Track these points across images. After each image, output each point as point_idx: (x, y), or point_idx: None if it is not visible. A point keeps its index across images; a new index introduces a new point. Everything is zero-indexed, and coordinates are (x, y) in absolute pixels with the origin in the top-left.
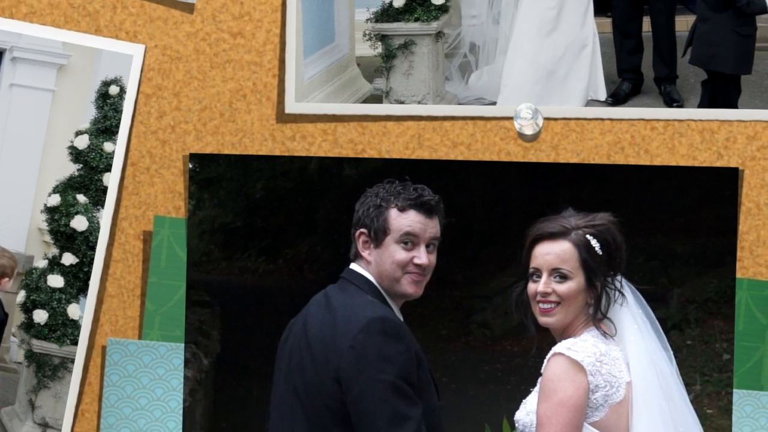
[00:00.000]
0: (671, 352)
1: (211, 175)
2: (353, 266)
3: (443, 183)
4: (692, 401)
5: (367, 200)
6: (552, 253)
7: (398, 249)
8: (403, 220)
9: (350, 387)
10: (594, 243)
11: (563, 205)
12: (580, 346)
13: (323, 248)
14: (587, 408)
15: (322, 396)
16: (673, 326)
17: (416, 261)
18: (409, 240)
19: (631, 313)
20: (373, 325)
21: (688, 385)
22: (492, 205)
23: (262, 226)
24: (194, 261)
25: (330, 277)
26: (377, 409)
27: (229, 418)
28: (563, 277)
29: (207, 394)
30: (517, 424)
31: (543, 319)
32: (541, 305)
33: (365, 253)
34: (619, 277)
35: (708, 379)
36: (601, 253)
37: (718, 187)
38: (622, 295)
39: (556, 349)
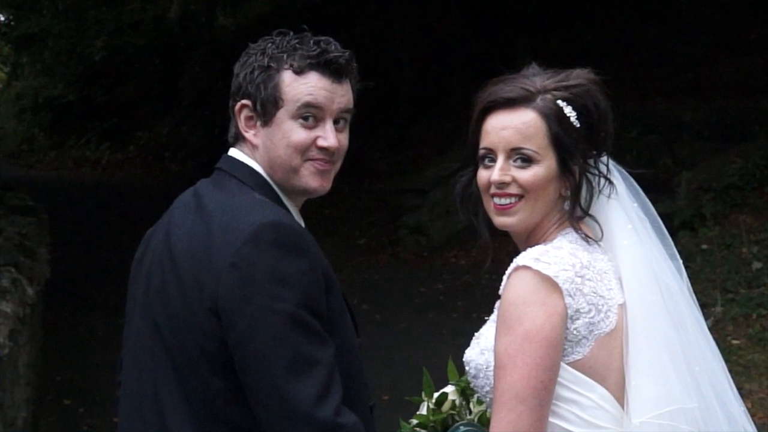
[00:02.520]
0: (680, 261)
1: (31, 31)
2: (234, 153)
3: (356, 33)
4: (711, 329)
5: (249, 60)
6: (510, 126)
7: (295, 127)
8: (302, 86)
9: (233, 321)
10: (568, 111)
11: (525, 59)
12: (553, 256)
13: (190, 129)
14: (565, 342)
15: (194, 334)
16: (682, 225)
17: (321, 143)
18: (310, 114)
19: (623, 207)
20: (264, 234)
21: (705, 306)
22: (425, 62)
23: (105, 101)
24: (11, 151)
25: (201, 169)
26: (272, 351)
27: (64, 369)
28: (527, 161)
29: (34, 337)
30: (467, 367)
31: (500, 219)
32: (496, 200)
33: (249, 134)
34: (604, 158)
35: (733, 297)
36: (578, 125)
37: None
38: (610, 183)
39: (519, 260)
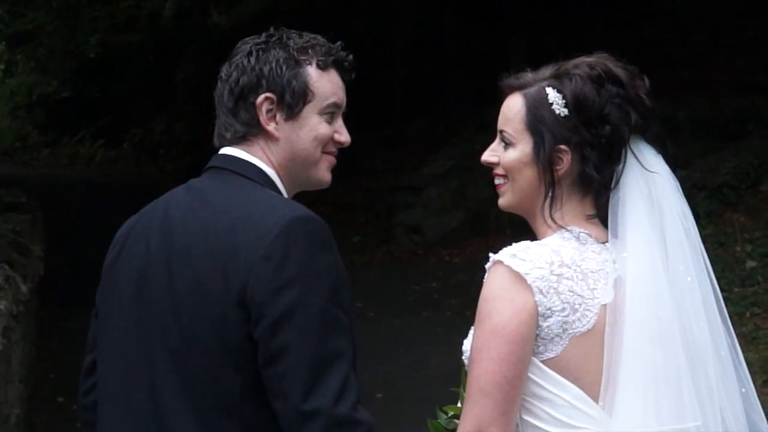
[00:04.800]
0: (715, 282)
1: (26, 28)
2: (232, 152)
3: (350, 31)
4: None
5: (271, 54)
6: (502, 110)
7: (321, 121)
8: (328, 83)
9: (263, 312)
10: (553, 97)
11: (520, 58)
12: (532, 253)
13: (185, 126)
14: (538, 339)
15: (212, 330)
16: None
17: (338, 137)
18: (333, 111)
19: (648, 213)
20: (296, 228)
21: None
22: (419, 60)
23: (99, 98)
24: (5, 148)
25: (196, 166)
26: (299, 344)
27: (58, 367)
28: (507, 143)
29: (27, 334)
30: (463, 356)
31: (499, 201)
32: (495, 180)
33: (271, 127)
34: (648, 153)
35: (726, 296)
36: (564, 113)
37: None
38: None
39: (497, 255)
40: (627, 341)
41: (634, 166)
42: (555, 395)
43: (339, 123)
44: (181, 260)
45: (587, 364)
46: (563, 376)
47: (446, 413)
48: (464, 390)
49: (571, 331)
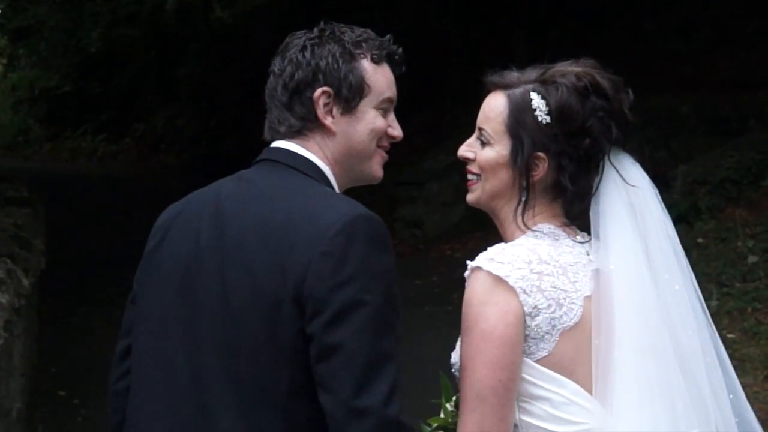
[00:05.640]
0: (698, 289)
1: (27, 23)
2: (287, 145)
3: (354, 25)
4: None
5: (326, 49)
6: (484, 107)
7: (378, 115)
8: (382, 77)
9: (320, 309)
10: (537, 103)
11: (521, 53)
12: (509, 255)
13: (186, 121)
14: (529, 339)
15: (266, 325)
16: (678, 218)
17: (392, 132)
18: (388, 106)
19: (632, 222)
20: (357, 226)
21: None
22: (422, 54)
23: (101, 92)
24: (6, 142)
25: (196, 161)
26: (354, 343)
27: (59, 360)
28: (485, 142)
29: (29, 328)
30: (453, 369)
31: (467, 196)
32: (468, 175)
33: (328, 121)
34: (626, 163)
35: (728, 291)
36: (546, 120)
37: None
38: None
39: (475, 261)
40: (619, 353)
41: (615, 176)
42: (553, 393)
43: (392, 117)
44: (235, 253)
45: (580, 357)
46: (559, 372)
47: (430, 425)
48: (446, 400)
49: (559, 327)
